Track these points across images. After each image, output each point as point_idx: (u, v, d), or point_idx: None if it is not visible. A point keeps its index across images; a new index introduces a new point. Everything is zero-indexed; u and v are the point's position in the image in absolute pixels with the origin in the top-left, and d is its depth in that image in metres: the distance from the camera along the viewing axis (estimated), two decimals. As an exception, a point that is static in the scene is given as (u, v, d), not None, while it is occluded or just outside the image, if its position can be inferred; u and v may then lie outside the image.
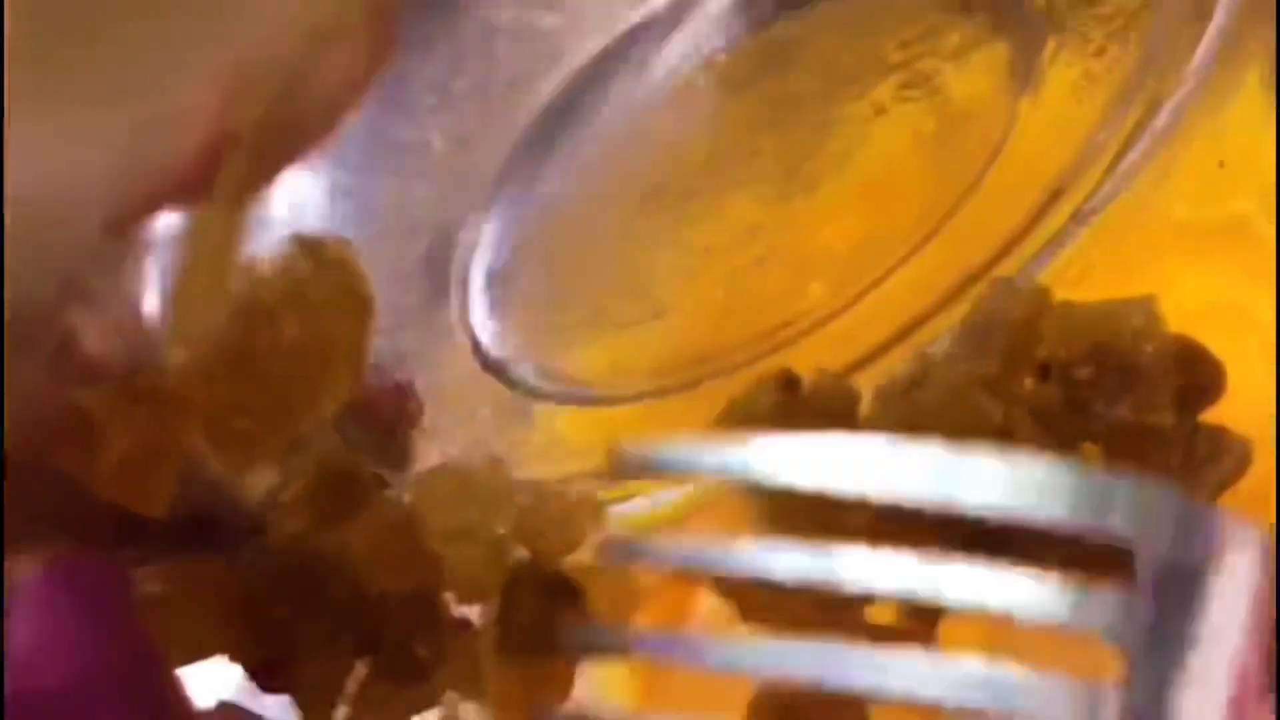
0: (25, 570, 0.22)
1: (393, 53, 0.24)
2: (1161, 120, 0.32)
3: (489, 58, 0.26)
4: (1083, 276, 0.32)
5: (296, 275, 0.24)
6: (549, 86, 0.27)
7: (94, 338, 0.23)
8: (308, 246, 0.24)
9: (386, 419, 0.27)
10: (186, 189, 0.23)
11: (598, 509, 0.28)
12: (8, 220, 0.20)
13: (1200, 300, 0.31)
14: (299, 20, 0.23)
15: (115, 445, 0.23)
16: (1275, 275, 0.29)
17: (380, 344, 0.26)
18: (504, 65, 0.27)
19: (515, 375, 0.29)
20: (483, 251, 0.28)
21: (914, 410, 0.29)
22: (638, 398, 0.31)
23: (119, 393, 0.23)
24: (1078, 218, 0.33)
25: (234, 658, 0.25)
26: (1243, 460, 0.30)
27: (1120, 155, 0.32)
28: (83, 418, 0.23)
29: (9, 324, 0.21)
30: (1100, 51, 0.31)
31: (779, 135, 0.30)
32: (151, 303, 0.24)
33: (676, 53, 0.28)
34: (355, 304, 0.24)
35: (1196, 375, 0.30)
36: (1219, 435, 0.30)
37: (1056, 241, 0.33)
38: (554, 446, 0.30)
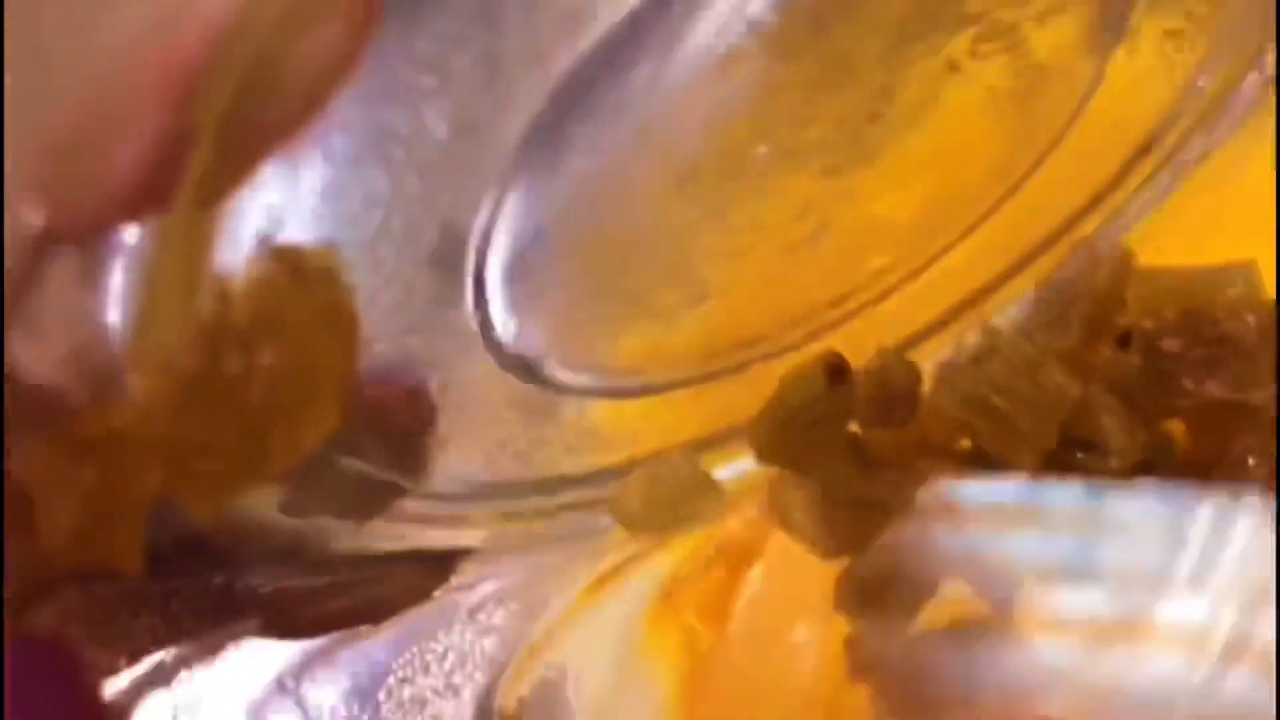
0: None
1: (376, 29, 0.21)
2: (1259, 74, 0.30)
3: (493, 29, 0.23)
4: (1168, 241, 0.30)
5: (273, 292, 0.21)
6: (566, 59, 0.24)
7: (40, 368, 0.20)
8: (286, 257, 0.21)
9: (400, 426, 0.25)
10: (138, 194, 0.20)
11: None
12: None
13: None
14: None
15: (58, 515, 0.20)
16: (1275, 269, 0.27)
17: (389, 349, 0.24)
18: (512, 37, 0.23)
19: (542, 371, 0.28)
20: (499, 244, 0.25)
21: (981, 387, 0.28)
22: (680, 385, 0.29)
23: (61, 449, 0.20)
24: (1168, 176, 0.31)
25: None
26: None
27: (1215, 109, 0.30)
28: (15, 487, 0.20)
29: None
30: None
31: (836, 100, 0.28)
32: (113, 326, 0.20)
33: (716, 16, 0.26)
34: (339, 323, 0.21)
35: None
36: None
37: (1143, 203, 0.31)
38: (583, 439, 0.29)
